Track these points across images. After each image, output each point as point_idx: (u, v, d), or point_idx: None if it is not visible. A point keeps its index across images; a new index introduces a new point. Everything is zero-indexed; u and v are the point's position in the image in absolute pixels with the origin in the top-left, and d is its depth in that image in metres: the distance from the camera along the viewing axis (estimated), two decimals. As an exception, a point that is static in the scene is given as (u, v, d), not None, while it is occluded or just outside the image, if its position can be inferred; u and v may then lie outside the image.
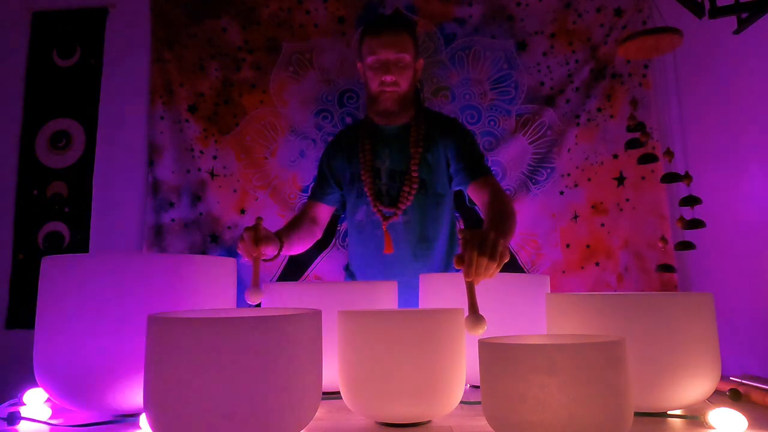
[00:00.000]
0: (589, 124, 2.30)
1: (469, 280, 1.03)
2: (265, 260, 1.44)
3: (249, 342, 0.68)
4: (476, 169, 1.65)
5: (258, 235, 1.37)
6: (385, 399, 0.84)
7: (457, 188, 1.72)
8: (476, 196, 1.64)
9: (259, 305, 1.23)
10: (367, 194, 1.68)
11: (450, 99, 2.36)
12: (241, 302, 2.39)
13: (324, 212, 1.84)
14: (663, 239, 1.82)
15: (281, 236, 1.53)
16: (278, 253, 1.50)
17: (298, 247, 1.75)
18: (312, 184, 1.94)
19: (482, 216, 1.63)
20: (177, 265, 0.94)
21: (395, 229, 1.66)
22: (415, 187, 1.65)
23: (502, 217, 1.43)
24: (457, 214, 2.32)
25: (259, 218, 1.41)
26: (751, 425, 0.79)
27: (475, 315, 0.97)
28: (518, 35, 2.36)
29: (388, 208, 1.67)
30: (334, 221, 2.28)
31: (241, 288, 2.54)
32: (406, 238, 1.67)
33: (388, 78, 1.61)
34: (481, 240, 1.07)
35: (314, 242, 1.84)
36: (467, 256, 1.04)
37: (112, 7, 2.53)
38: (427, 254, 1.68)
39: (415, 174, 1.65)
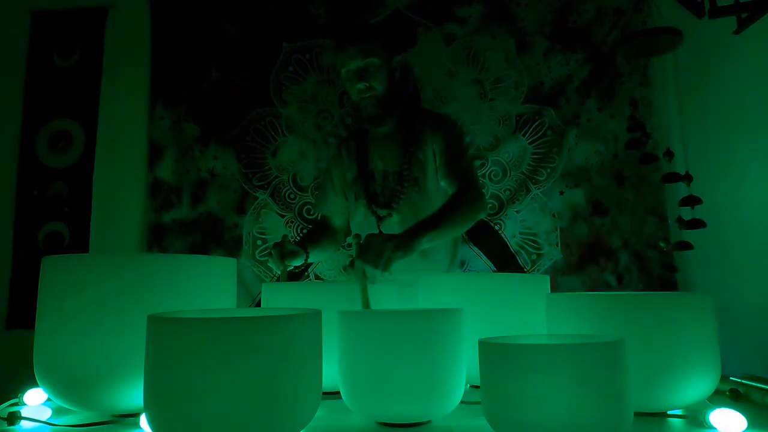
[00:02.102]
0: (589, 124, 2.30)
1: (360, 282, 1.14)
2: (295, 270, 1.68)
3: (249, 342, 0.68)
4: (453, 164, 1.65)
5: (284, 251, 1.53)
6: (385, 399, 0.83)
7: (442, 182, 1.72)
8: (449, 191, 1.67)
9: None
10: (363, 196, 1.71)
11: (450, 99, 2.36)
12: (241, 302, 2.40)
13: (337, 223, 1.88)
14: (663, 239, 1.82)
15: (306, 247, 1.66)
16: (305, 262, 1.66)
17: (322, 254, 1.91)
18: (317, 200, 2.01)
19: None
20: (177, 265, 0.94)
21: (391, 228, 1.67)
22: (407, 186, 1.67)
23: (440, 214, 1.50)
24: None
25: (285, 234, 1.64)
26: (751, 425, 0.79)
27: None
28: (518, 35, 2.36)
29: (382, 208, 1.69)
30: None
31: (242, 288, 2.54)
32: None
33: (361, 86, 1.64)
34: (365, 248, 1.21)
35: (338, 248, 2.00)
36: (355, 262, 1.20)
37: (112, 7, 2.53)
38: (426, 251, 1.68)
39: (405, 173, 1.67)
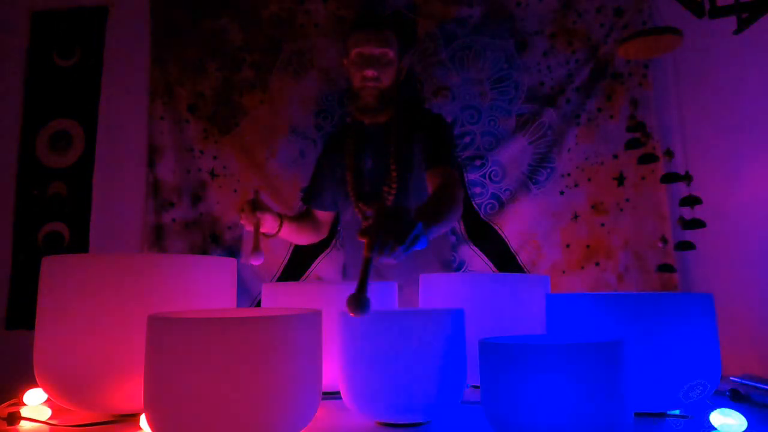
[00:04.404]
0: (589, 124, 2.30)
1: (369, 255, 0.93)
2: (266, 235, 1.57)
3: (249, 342, 0.68)
4: (436, 157, 1.62)
5: (257, 205, 1.47)
6: (385, 399, 0.83)
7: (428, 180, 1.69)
8: (430, 185, 1.60)
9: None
10: (352, 194, 1.68)
11: (450, 99, 2.36)
12: (241, 302, 2.37)
13: (321, 215, 1.85)
14: (663, 239, 1.82)
15: (282, 216, 1.61)
16: (278, 230, 1.59)
17: (299, 236, 1.81)
18: (305, 192, 1.95)
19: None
20: (177, 265, 0.94)
21: None
22: (395, 187, 1.63)
23: (438, 203, 1.37)
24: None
25: (257, 191, 1.56)
26: (751, 425, 0.79)
27: (360, 295, 0.83)
28: (518, 35, 2.36)
29: (368, 208, 1.66)
30: (336, 221, 2.28)
31: (242, 288, 2.52)
32: None
33: (370, 73, 1.59)
34: (396, 218, 1.00)
35: (319, 238, 1.91)
36: (374, 230, 0.96)
37: (112, 6, 2.53)
38: (416, 253, 1.66)
39: (394, 173, 1.64)
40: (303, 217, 1.81)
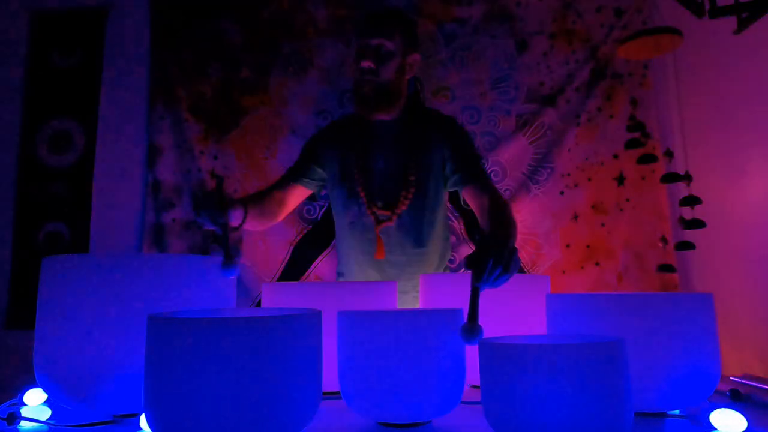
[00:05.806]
0: (589, 124, 2.30)
1: (478, 285, 0.97)
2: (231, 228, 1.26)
3: (249, 342, 0.68)
4: (473, 172, 1.59)
5: (223, 198, 1.20)
6: (385, 399, 0.83)
7: (453, 189, 1.66)
8: (472, 200, 1.58)
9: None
10: (361, 195, 1.60)
11: (450, 99, 2.36)
12: (241, 302, 2.34)
13: (296, 196, 1.72)
14: (663, 239, 1.82)
15: (246, 204, 1.38)
16: (242, 223, 1.35)
17: (260, 223, 1.62)
18: (290, 166, 1.78)
19: (480, 221, 1.58)
20: (177, 265, 0.94)
21: (387, 233, 1.60)
22: (412, 191, 1.58)
23: (506, 226, 1.39)
24: (456, 215, 2.32)
25: (221, 177, 1.25)
26: (751, 425, 0.79)
27: (474, 324, 0.89)
28: (518, 35, 2.36)
29: (382, 212, 1.59)
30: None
31: (242, 288, 2.51)
32: (400, 243, 1.61)
33: (366, 63, 1.52)
34: (501, 248, 1.02)
35: (270, 225, 1.72)
36: (484, 260, 0.97)
37: (112, 7, 2.53)
38: (422, 259, 1.64)
39: (412, 178, 1.58)
40: (264, 199, 1.62)
